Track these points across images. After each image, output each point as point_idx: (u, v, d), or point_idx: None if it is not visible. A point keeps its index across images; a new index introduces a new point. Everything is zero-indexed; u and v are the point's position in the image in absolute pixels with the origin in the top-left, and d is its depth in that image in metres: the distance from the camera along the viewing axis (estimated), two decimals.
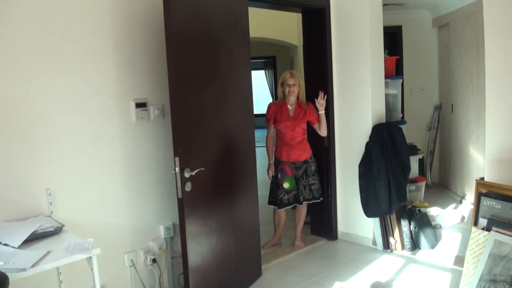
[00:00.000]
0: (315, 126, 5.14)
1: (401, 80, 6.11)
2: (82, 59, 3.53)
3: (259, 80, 15.62)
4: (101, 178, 3.70)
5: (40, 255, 2.67)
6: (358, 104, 5.22)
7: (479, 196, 4.07)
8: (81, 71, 3.52)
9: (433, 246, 5.01)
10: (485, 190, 4.06)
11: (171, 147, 3.47)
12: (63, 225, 3.16)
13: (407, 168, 5.14)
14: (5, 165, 3.17)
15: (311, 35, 5.55)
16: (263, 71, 16.14)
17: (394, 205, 4.90)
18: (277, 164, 5.12)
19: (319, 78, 5.44)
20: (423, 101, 7.77)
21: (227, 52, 4.01)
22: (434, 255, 4.89)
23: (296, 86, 5.02)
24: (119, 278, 3.88)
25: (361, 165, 5.01)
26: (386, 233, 5.08)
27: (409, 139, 5.59)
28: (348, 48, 5.24)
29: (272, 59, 15.20)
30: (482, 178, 4.28)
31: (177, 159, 3.40)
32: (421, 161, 7.09)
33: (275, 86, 14.76)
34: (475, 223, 4.05)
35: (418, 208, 5.24)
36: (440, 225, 5.61)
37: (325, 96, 5.02)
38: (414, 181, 6.42)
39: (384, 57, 5.37)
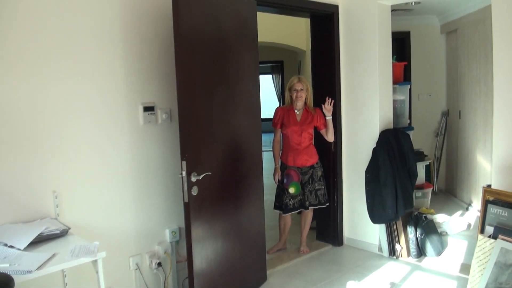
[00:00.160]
0: (322, 131, 5.13)
1: (409, 86, 6.10)
2: (92, 63, 3.54)
3: (266, 85, 15.61)
4: (107, 181, 3.71)
5: (46, 258, 2.67)
6: (365, 110, 5.21)
7: (486, 203, 4.05)
8: (90, 74, 3.54)
9: (439, 253, 4.99)
10: (492, 198, 4.04)
11: (178, 151, 3.48)
12: (69, 228, 3.16)
13: (414, 174, 5.11)
14: (13, 167, 3.18)
15: (319, 40, 5.55)
16: (270, 76, 16.14)
17: (401, 211, 4.88)
18: (283, 168, 5.11)
19: (327, 83, 5.44)
20: (430, 107, 7.75)
21: (236, 57, 4.02)
22: (440, 262, 4.86)
23: (303, 91, 5.01)
24: (124, 281, 3.88)
25: (368, 171, 5.00)
26: (392, 239, 5.06)
27: (416, 145, 5.57)
28: (356, 53, 5.24)
29: (279, 63, 15.21)
30: (489, 185, 4.26)
31: (184, 163, 3.40)
32: (427, 168, 7.06)
33: (282, 91, 14.77)
34: (482, 231, 4.02)
35: (424, 215, 5.22)
36: (446, 232, 5.58)
37: (332, 101, 5.01)
38: (420, 187, 6.40)
39: (392, 62, 5.36)
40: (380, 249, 5.21)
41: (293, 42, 9.58)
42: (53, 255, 2.73)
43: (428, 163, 6.89)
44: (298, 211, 5.15)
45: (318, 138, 5.29)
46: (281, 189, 5.11)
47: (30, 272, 2.51)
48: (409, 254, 5.01)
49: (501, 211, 3.90)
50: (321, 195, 5.14)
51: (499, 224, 3.87)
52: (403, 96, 5.94)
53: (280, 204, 5.10)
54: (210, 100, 3.72)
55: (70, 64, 3.42)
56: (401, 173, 4.93)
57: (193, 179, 3.46)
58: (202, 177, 3.52)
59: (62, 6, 3.35)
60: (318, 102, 5.19)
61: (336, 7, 5.28)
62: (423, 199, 6.46)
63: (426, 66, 7.68)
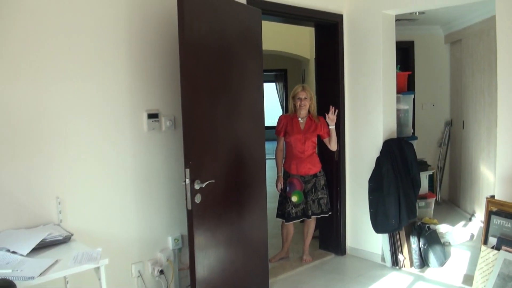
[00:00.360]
0: (325, 140, 5.13)
1: (412, 96, 6.11)
2: (97, 69, 3.55)
3: (270, 93, 15.63)
4: (111, 188, 3.71)
5: (48, 264, 2.66)
6: (369, 119, 5.21)
7: (489, 214, 4.04)
8: (95, 80, 3.55)
9: (442, 263, 4.97)
10: (496, 209, 4.03)
11: (182, 159, 3.47)
12: (72, 234, 3.16)
13: (417, 184, 5.10)
14: (17, 173, 3.19)
15: (324, 49, 5.57)
16: (273, 84, 16.17)
17: (404, 221, 4.86)
18: (286, 177, 5.11)
19: (330, 92, 5.45)
20: (434, 117, 7.75)
21: (240, 64, 4.03)
22: (443, 273, 4.84)
23: (307, 99, 5.02)
24: None
25: (371, 180, 5.00)
26: (395, 249, 5.04)
27: (419, 155, 5.56)
28: (361, 62, 5.25)
29: (283, 72, 15.25)
30: (493, 196, 4.24)
31: (187, 170, 3.39)
32: (431, 177, 7.06)
33: (286, 99, 14.79)
34: (485, 242, 4.01)
35: (427, 225, 5.20)
36: (449, 243, 5.57)
37: (336, 111, 5.01)
38: (423, 197, 6.39)
39: (396, 72, 5.36)
40: (383, 259, 5.19)
41: (297, 51, 9.59)
42: (56, 261, 2.72)
43: (431, 173, 6.89)
44: (300, 219, 5.14)
45: (322, 147, 5.29)
46: (283, 198, 5.11)
47: (32, 278, 2.50)
48: (412, 264, 4.99)
49: (504, 222, 3.89)
50: (323, 204, 5.13)
51: (502, 235, 3.86)
52: (407, 106, 5.94)
53: (283, 212, 5.09)
54: (214, 108, 3.72)
55: (75, 69, 3.43)
56: (404, 183, 4.92)
57: (197, 186, 3.45)
58: (206, 185, 3.51)
59: (68, 11, 3.37)
60: (322, 111, 5.19)
61: (340, 17, 5.30)
62: (426, 209, 6.45)
63: (430, 76, 7.69)
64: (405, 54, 7.55)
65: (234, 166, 4.01)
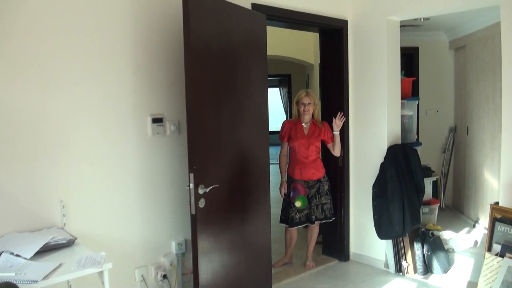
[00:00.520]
0: (329, 145, 5.13)
1: (417, 102, 6.11)
2: (102, 72, 3.56)
3: (274, 98, 15.64)
4: (115, 192, 3.71)
5: (52, 267, 2.67)
6: (373, 125, 5.21)
7: (493, 221, 4.03)
8: (99, 83, 3.56)
9: (445, 270, 4.96)
10: (500, 215, 4.02)
11: (186, 163, 3.47)
12: (76, 238, 3.16)
13: (421, 190, 5.09)
14: (21, 176, 3.19)
15: (328, 54, 5.57)
16: (277, 89, 16.18)
17: (408, 227, 4.85)
18: (290, 182, 5.11)
19: (335, 98, 5.45)
20: (438, 123, 7.74)
21: (245, 69, 4.03)
22: (447, 280, 4.83)
23: (311, 105, 5.02)
24: None
25: (375, 186, 4.99)
26: (398, 255, 5.03)
27: (423, 161, 5.55)
28: (365, 68, 5.25)
29: (287, 77, 15.25)
30: (497, 203, 4.23)
31: (191, 175, 3.39)
32: (435, 184, 7.04)
33: (290, 104, 14.78)
34: (489, 249, 4.00)
35: (431, 231, 5.19)
36: (453, 249, 5.55)
37: (344, 117, 5.01)
38: (427, 203, 6.37)
39: (401, 78, 5.36)
40: (386, 265, 5.18)
41: (301, 56, 9.60)
42: (59, 265, 2.72)
43: (435, 179, 6.87)
44: (304, 225, 5.13)
45: (326, 152, 5.29)
46: (287, 203, 5.10)
47: (36, 282, 2.50)
48: (415, 270, 4.98)
49: (508, 229, 3.88)
50: (327, 210, 5.13)
51: (506, 242, 3.85)
52: (411, 112, 5.94)
53: (286, 217, 5.09)
54: (219, 113, 3.72)
55: (79, 71, 3.44)
56: (408, 189, 4.91)
57: (201, 191, 3.45)
58: (210, 190, 3.51)
59: (73, 12, 3.38)
60: (326, 116, 5.19)
61: (345, 22, 5.30)
62: (430, 215, 6.43)
63: (434, 81, 7.67)
64: (409, 60, 7.54)
65: (238, 171, 4.01)
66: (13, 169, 3.16)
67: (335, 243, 5.59)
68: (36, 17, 3.20)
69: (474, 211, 6.70)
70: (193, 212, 3.43)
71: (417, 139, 6.21)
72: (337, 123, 4.98)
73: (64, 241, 3.05)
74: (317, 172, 5.08)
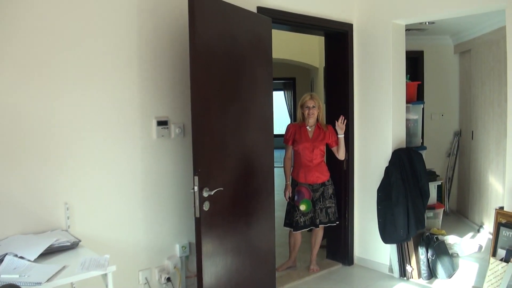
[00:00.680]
0: (334, 149, 5.12)
1: (422, 106, 6.10)
2: (107, 75, 3.56)
3: (278, 101, 15.65)
4: (119, 194, 3.71)
5: (55, 270, 2.66)
6: (378, 128, 5.20)
7: (498, 226, 4.02)
8: (105, 86, 3.56)
9: (450, 275, 4.94)
10: (505, 220, 4.01)
11: (191, 166, 3.47)
12: (80, 240, 3.16)
13: (426, 194, 5.07)
14: (26, 178, 3.19)
15: (333, 57, 5.57)
16: (282, 92, 16.19)
17: (412, 232, 4.84)
18: (294, 185, 5.10)
19: (339, 101, 5.45)
20: (443, 127, 7.73)
21: (250, 73, 4.03)
22: (451, 285, 4.81)
23: (315, 108, 5.01)
24: None
25: (380, 190, 4.97)
26: (403, 260, 5.01)
27: (428, 165, 5.53)
28: (370, 72, 5.24)
29: (292, 80, 15.25)
30: (502, 208, 4.22)
31: (196, 178, 3.39)
32: (439, 188, 7.02)
33: (294, 107, 14.79)
34: (494, 254, 3.99)
35: (435, 236, 5.17)
36: (457, 254, 5.54)
37: (345, 120, 5.00)
38: (432, 207, 6.35)
39: (406, 82, 5.35)
40: (390, 269, 5.16)
41: (305, 59, 9.60)
42: (63, 268, 2.72)
43: (440, 183, 6.85)
44: (308, 228, 5.12)
45: (330, 156, 5.28)
46: (291, 206, 5.09)
47: (39, 284, 2.50)
48: (420, 275, 4.96)
49: None
50: (331, 213, 5.11)
51: (511, 247, 3.84)
52: (416, 116, 5.93)
53: (291, 221, 5.08)
54: (224, 115, 3.72)
55: (84, 75, 3.44)
56: (413, 193, 4.89)
57: (205, 194, 3.45)
58: (214, 193, 3.51)
59: (79, 17, 3.39)
60: (331, 119, 5.19)
61: (350, 26, 5.30)
62: (434, 219, 6.41)
63: (439, 85, 7.67)
64: (414, 64, 7.54)
65: (243, 174, 4.01)
66: (18, 171, 3.16)
67: (339, 247, 5.58)
68: (44, 22, 3.21)
69: (478, 215, 6.68)
70: (198, 215, 3.43)
71: (422, 143, 6.20)
72: (340, 125, 4.97)
73: (68, 244, 3.05)
74: (322, 175, 5.07)
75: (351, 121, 5.35)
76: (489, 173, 6.31)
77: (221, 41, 3.66)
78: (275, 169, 4.45)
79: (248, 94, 4.03)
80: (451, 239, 5.73)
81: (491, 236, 4.43)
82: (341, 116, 5.00)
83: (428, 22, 6.18)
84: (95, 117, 3.51)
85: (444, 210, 6.83)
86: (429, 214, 6.28)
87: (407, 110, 5.48)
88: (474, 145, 6.90)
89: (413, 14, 4.93)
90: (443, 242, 5.17)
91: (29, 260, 2.76)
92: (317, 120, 5.09)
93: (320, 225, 5.10)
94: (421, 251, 4.95)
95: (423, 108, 6.17)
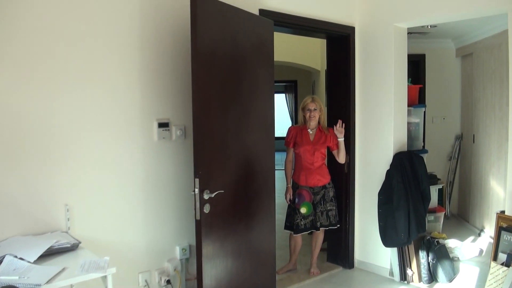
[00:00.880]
0: (334, 152, 5.12)
1: (423, 109, 6.09)
2: (109, 76, 3.56)
3: (279, 104, 15.64)
4: (119, 196, 3.70)
5: (55, 271, 2.66)
6: (380, 132, 5.19)
7: (499, 230, 4.01)
8: (106, 87, 3.56)
9: (450, 279, 4.93)
10: (506, 224, 4.00)
11: (192, 168, 3.46)
12: (80, 242, 3.15)
13: (427, 198, 5.06)
14: (25, 180, 3.18)
15: (335, 60, 5.57)
16: (283, 95, 16.19)
17: (413, 235, 4.83)
18: (295, 188, 5.09)
19: (341, 104, 5.44)
20: (444, 130, 7.72)
21: (251, 75, 4.02)
22: None
23: (317, 111, 5.01)
24: None
25: (381, 193, 4.96)
26: (403, 264, 5.00)
27: (429, 169, 5.53)
28: (372, 75, 5.23)
29: (293, 83, 15.25)
30: (503, 212, 4.21)
31: (197, 180, 3.38)
32: (440, 191, 7.01)
33: (295, 110, 14.79)
34: (494, 258, 3.98)
35: (436, 240, 5.16)
36: (458, 258, 5.53)
37: (343, 124, 4.99)
38: (433, 211, 6.34)
39: (408, 85, 5.35)
40: (391, 273, 5.15)
41: (307, 62, 9.59)
42: (63, 269, 2.71)
43: (441, 187, 6.85)
44: (309, 231, 5.11)
45: (331, 159, 5.27)
46: (292, 209, 5.08)
47: (39, 285, 2.49)
48: (420, 279, 4.94)
49: None
50: (332, 216, 5.11)
51: None
52: (417, 119, 5.92)
53: (291, 224, 5.07)
54: (225, 118, 3.72)
55: (86, 76, 3.43)
56: (414, 196, 4.88)
57: (206, 196, 3.44)
58: (215, 195, 3.50)
59: (81, 17, 3.39)
60: (332, 122, 5.18)
61: (352, 29, 5.30)
62: (435, 223, 6.40)
63: (440, 89, 7.67)
64: (416, 67, 7.54)
65: (244, 176, 4.00)
66: (18, 172, 3.15)
67: (339, 250, 5.57)
68: (44, 22, 3.21)
69: (479, 219, 6.68)
70: (198, 217, 3.42)
71: (423, 146, 6.19)
72: (339, 129, 4.96)
73: (68, 245, 3.04)
74: (323, 178, 5.07)
75: (352, 124, 5.34)
76: (490, 177, 6.30)
77: (223, 43, 3.66)
78: (276, 171, 4.45)
79: (250, 96, 4.02)
80: (452, 243, 5.72)
81: (492, 240, 4.42)
82: (339, 121, 4.99)
83: (430, 26, 6.17)
84: (95, 118, 3.50)
85: (445, 213, 6.83)
86: (430, 217, 6.28)
87: (409, 113, 5.48)
88: (475, 149, 6.89)
89: (415, 17, 4.92)
90: (444, 246, 5.16)
91: (28, 262, 2.76)
92: (319, 123, 5.09)
93: (320, 228, 5.09)
94: (422, 254, 4.94)
95: (424, 112, 6.16)
